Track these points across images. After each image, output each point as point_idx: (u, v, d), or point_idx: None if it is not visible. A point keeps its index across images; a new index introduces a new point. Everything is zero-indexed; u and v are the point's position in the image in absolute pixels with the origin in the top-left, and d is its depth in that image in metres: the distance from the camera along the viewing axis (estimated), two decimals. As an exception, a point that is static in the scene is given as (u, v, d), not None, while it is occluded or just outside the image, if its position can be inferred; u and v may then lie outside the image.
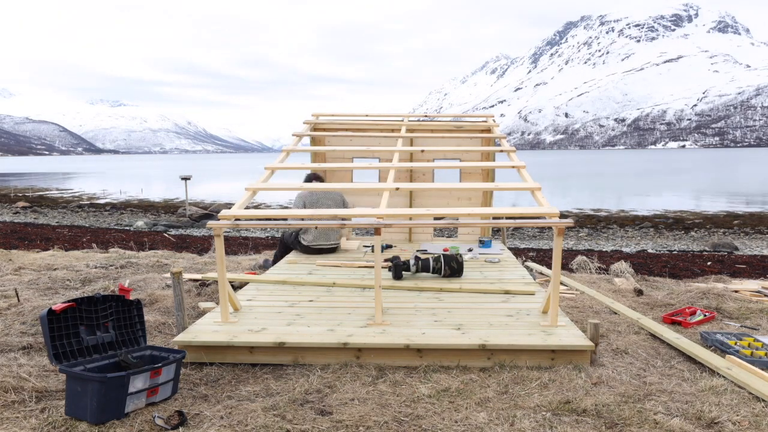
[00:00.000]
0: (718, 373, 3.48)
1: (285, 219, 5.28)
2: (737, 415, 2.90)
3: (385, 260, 5.56)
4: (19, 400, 3.06)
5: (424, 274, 5.49)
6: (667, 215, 20.45)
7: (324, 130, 7.38)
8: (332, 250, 6.74)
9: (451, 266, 5.44)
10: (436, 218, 5.11)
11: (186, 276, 6.14)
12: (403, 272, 5.44)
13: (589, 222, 18.71)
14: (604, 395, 3.13)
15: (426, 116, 8.94)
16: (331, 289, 5.12)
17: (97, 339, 3.21)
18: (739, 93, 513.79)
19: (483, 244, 7.22)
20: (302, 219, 5.79)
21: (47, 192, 34.26)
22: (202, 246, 11.16)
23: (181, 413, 2.85)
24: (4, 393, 3.12)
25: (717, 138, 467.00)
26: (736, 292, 5.79)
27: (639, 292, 5.70)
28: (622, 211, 23.29)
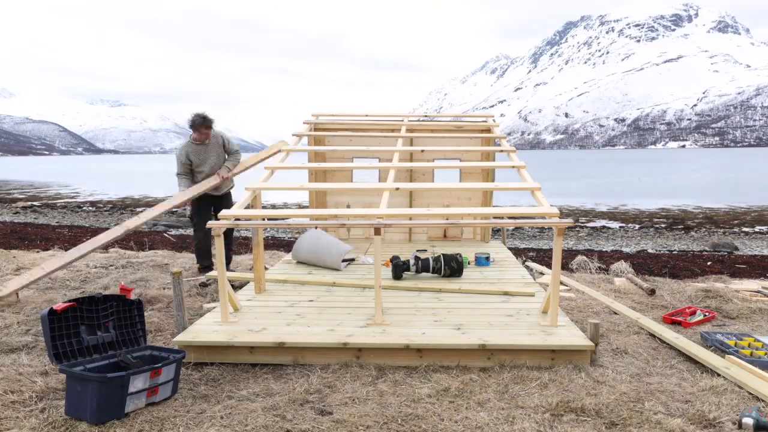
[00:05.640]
0: (718, 373, 3.48)
1: (285, 219, 5.28)
2: (737, 415, 2.90)
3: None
4: (19, 400, 3.06)
5: (425, 274, 5.49)
6: (667, 215, 20.45)
7: (324, 130, 7.38)
8: None
9: (451, 266, 5.44)
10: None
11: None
12: (404, 272, 5.45)
13: (589, 222, 18.70)
14: (604, 395, 3.13)
15: (426, 116, 8.94)
16: (331, 289, 5.12)
17: (98, 339, 3.21)
18: (739, 93, 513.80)
19: (478, 260, 6.19)
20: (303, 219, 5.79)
21: (47, 189, 34.26)
22: (202, 246, 11.14)
23: None
24: (5, 393, 3.13)
25: (717, 138, 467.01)
26: (736, 292, 5.79)
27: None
28: (622, 204, 23.44)
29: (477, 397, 3.11)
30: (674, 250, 12.50)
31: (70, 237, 12.31)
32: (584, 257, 7.87)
